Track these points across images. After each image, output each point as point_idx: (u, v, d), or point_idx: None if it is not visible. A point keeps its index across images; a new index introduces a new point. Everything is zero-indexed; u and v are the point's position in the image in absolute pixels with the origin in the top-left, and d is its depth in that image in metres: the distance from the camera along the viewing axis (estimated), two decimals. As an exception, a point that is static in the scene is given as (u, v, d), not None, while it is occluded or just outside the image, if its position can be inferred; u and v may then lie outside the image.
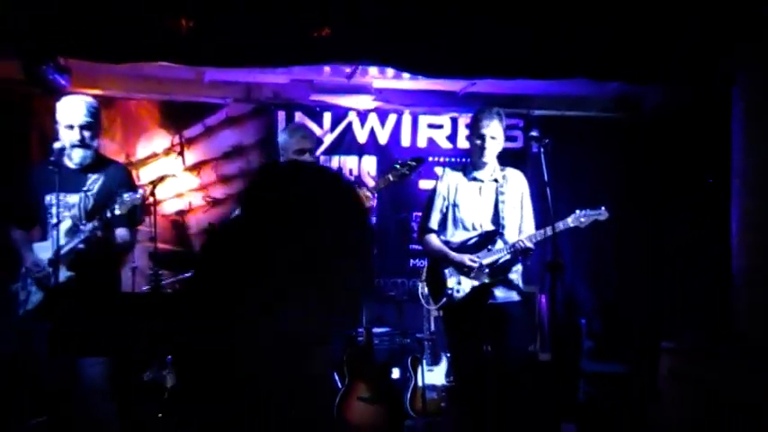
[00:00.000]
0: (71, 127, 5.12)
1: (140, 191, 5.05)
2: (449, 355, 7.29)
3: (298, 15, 5.88)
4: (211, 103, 8.19)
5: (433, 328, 7.30)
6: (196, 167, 8.16)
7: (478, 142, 5.63)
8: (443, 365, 7.17)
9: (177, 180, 8.03)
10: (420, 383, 7.04)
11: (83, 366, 4.97)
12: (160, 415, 6.38)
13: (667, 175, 8.16)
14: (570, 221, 5.49)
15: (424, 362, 7.12)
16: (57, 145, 5.05)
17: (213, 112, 8.21)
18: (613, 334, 7.49)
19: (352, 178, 8.33)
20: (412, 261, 8.36)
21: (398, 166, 5.16)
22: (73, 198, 5.11)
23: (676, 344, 5.28)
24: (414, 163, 5.20)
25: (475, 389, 5.66)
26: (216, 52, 6.01)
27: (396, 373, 7.23)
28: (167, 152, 8.04)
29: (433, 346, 7.21)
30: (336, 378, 6.84)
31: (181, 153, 8.09)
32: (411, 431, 6.95)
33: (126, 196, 4.87)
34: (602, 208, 5.53)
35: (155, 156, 8.05)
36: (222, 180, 8.19)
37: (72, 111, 5.14)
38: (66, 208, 5.08)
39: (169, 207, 8.04)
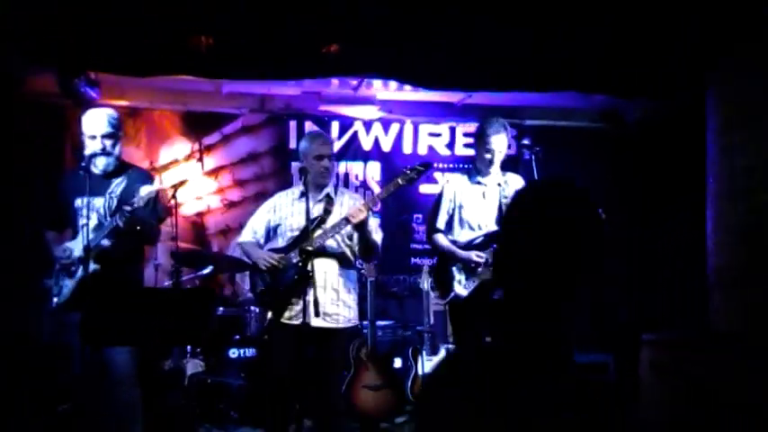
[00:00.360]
0: (94, 137, 5.18)
1: (156, 184, 5.10)
2: (449, 345, 7.38)
3: (308, 33, 5.92)
4: (228, 113, 8.27)
5: (432, 321, 7.32)
6: (214, 172, 8.24)
7: (488, 156, 5.67)
8: (442, 356, 7.13)
9: (196, 184, 8.09)
10: (420, 372, 7.07)
11: (111, 354, 5.01)
12: (181, 401, 6.47)
13: (648, 180, 8.21)
14: None
15: (424, 352, 7.13)
16: (87, 152, 5.15)
17: (230, 121, 8.28)
18: (599, 327, 7.53)
19: (358, 183, 8.42)
20: (413, 259, 8.43)
21: (408, 171, 5.23)
22: (98, 201, 5.17)
23: (656, 336, 5.33)
24: (422, 168, 5.26)
25: (474, 376, 5.72)
26: (233, 66, 6.08)
27: (398, 363, 7.30)
28: (188, 158, 8.13)
29: (431, 337, 7.22)
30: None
31: (200, 159, 8.17)
32: (412, 415, 6.93)
33: (143, 189, 4.91)
34: (599, 210, 5.49)
35: (176, 162, 8.12)
36: (238, 184, 8.27)
37: (94, 122, 5.21)
38: (93, 210, 5.14)
39: (189, 209, 8.07)
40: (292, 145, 8.25)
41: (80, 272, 5.04)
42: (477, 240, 5.70)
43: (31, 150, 7.38)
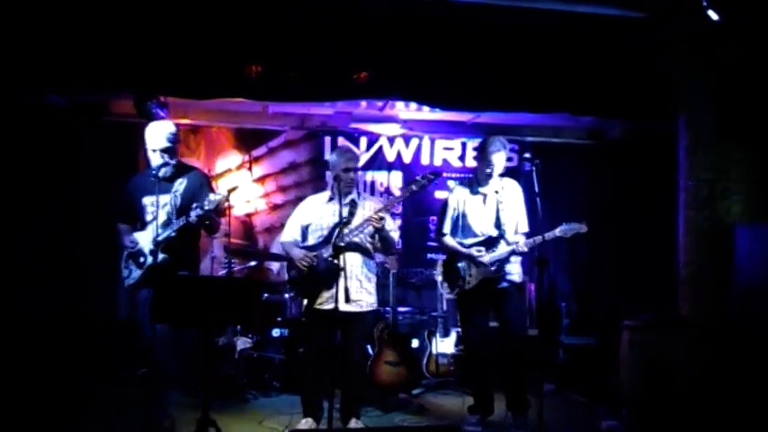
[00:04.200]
0: (154, 151, 5.19)
1: (223, 192, 5.01)
2: (459, 329, 7.41)
3: (341, 63, 6.04)
4: (273, 130, 8.33)
5: (445, 308, 7.39)
6: (261, 179, 8.28)
7: (488, 170, 5.61)
8: (453, 337, 7.25)
9: (246, 189, 8.16)
10: (434, 351, 7.15)
11: (178, 330, 5.11)
12: (232, 371, 6.57)
13: (627, 187, 8.27)
14: (557, 232, 5.40)
15: (438, 334, 7.21)
16: (152, 160, 5.20)
17: (275, 136, 8.34)
18: (586, 314, 7.53)
19: (383, 189, 8.43)
20: (428, 254, 8.41)
21: (420, 179, 5.26)
22: (165, 198, 5.17)
23: (634, 322, 5.37)
24: (432, 176, 5.27)
25: (480, 356, 5.77)
26: (278, 91, 6.18)
27: (415, 343, 7.30)
28: (239, 168, 8.17)
29: (444, 322, 7.30)
30: (368, 346, 6.91)
31: (249, 168, 8.21)
32: (426, 388, 7.05)
33: (212, 196, 4.92)
34: (584, 223, 5.45)
35: (229, 170, 8.18)
36: (281, 189, 8.30)
37: (154, 138, 5.21)
38: (160, 207, 5.14)
39: (240, 210, 8.12)
40: (327, 157, 8.24)
41: (149, 260, 5.09)
42: (479, 242, 5.65)
43: (110, 161, 7.57)
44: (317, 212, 5.51)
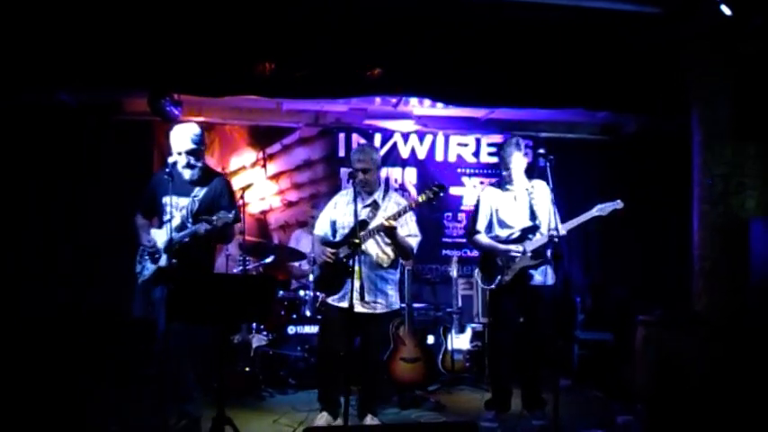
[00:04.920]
0: (180, 153, 5.16)
1: (233, 213, 4.96)
2: (474, 325, 7.39)
3: (354, 59, 6.03)
4: (288, 127, 8.34)
5: (460, 304, 7.40)
6: (275, 177, 8.30)
7: (506, 173, 5.69)
8: (468, 333, 7.25)
9: (261, 187, 8.19)
10: (449, 347, 7.16)
11: (193, 328, 5.09)
12: (247, 369, 6.60)
13: (641, 183, 8.24)
14: (594, 212, 5.49)
15: (453, 331, 7.21)
16: (171, 159, 5.13)
17: (289, 133, 8.35)
18: (600, 309, 7.51)
19: (397, 185, 8.41)
20: (443, 251, 8.44)
21: (426, 191, 5.23)
22: (183, 201, 5.17)
23: (649, 317, 5.35)
24: (437, 189, 5.22)
25: (506, 353, 5.76)
26: (291, 88, 6.17)
27: (431, 339, 7.29)
28: (253, 165, 8.20)
29: (459, 318, 7.30)
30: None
31: (264, 166, 8.24)
32: (442, 384, 7.05)
33: (221, 213, 4.90)
34: (618, 200, 5.53)
35: (243, 168, 8.21)
36: (295, 187, 8.32)
37: (179, 139, 5.18)
38: (177, 208, 5.14)
39: (254, 208, 8.16)
40: (341, 153, 8.31)
41: (163, 261, 5.09)
42: (515, 235, 5.67)
43: (124, 160, 7.61)
44: (341, 210, 5.53)
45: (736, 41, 5.57)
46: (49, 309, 7.10)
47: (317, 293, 6.91)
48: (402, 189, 8.41)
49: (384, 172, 8.42)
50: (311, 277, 6.94)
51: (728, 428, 4.61)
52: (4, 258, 7.22)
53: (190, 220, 5.16)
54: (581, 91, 6.45)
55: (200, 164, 5.25)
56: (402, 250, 5.40)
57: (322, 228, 5.62)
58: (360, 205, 5.24)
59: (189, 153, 5.18)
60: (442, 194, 5.28)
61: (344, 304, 5.16)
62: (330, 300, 5.42)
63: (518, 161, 5.67)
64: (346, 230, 5.41)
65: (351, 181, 5.29)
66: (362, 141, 8.33)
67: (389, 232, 5.17)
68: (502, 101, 6.86)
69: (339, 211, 5.54)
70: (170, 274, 4.99)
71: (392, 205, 5.42)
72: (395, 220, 5.15)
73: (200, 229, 5.01)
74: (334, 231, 5.56)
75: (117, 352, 6.80)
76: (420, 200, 5.24)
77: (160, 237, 5.18)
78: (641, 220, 8.12)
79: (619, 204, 5.52)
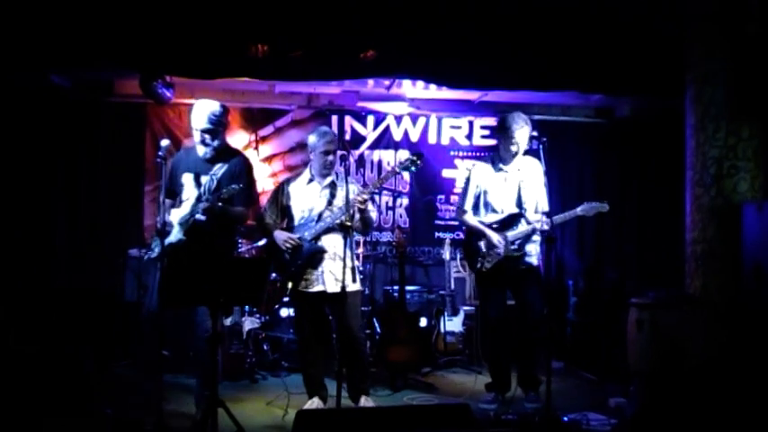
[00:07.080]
0: (196, 130, 5.11)
1: (238, 185, 4.92)
2: (467, 307, 7.42)
3: (347, 41, 6.01)
4: (280, 109, 8.28)
5: (453, 286, 7.39)
6: (268, 159, 8.25)
7: (513, 148, 5.54)
8: (461, 316, 7.26)
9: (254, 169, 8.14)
10: (442, 330, 7.17)
11: (196, 312, 5.05)
12: (242, 351, 6.59)
13: (635, 165, 8.30)
14: (579, 211, 5.46)
15: (446, 313, 7.21)
16: (163, 143, 4.97)
17: (282, 116, 8.29)
18: (593, 292, 7.51)
19: (389, 168, 8.37)
20: (436, 233, 8.39)
21: (403, 161, 5.25)
22: (204, 179, 5.13)
23: (640, 300, 5.36)
24: (415, 157, 5.22)
25: (499, 334, 5.78)
26: (285, 70, 6.15)
27: (423, 322, 7.31)
28: (246, 147, 8.07)
29: (452, 300, 7.29)
30: (377, 324, 6.98)
31: (256, 148, 8.19)
32: (435, 367, 7.06)
33: (226, 188, 4.89)
34: (605, 203, 5.48)
35: (236, 150, 8.18)
36: (288, 169, 8.19)
37: (196, 117, 5.11)
38: (197, 186, 5.13)
39: (247, 190, 8.13)
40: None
41: (173, 236, 5.09)
42: (500, 220, 5.64)
43: (115, 142, 7.57)
44: (298, 194, 5.49)
45: (736, 22, 5.55)
46: (44, 291, 7.04)
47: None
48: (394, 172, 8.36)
49: (377, 155, 8.42)
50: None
51: (727, 405, 4.63)
52: None
53: (209, 197, 5.05)
54: (575, 74, 6.42)
55: (215, 143, 5.16)
56: (367, 224, 5.46)
57: (269, 216, 5.54)
58: (319, 188, 5.40)
59: (204, 132, 5.11)
60: (419, 162, 5.34)
61: (318, 288, 5.28)
62: (301, 288, 5.38)
63: (524, 138, 5.53)
64: (306, 214, 5.41)
65: (309, 164, 5.46)
66: (356, 124, 8.35)
67: (363, 206, 5.23)
68: (495, 83, 6.82)
69: (293, 196, 5.48)
70: (171, 252, 4.97)
71: (351, 186, 5.24)
72: (368, 194, 5.28)
73: (213, 202, 4.93)
74: (291, 217, 5.49)
75: (109, 334, 6.76)
76: (398, 169, 5.40)
77: (176, 216, 5.15)
78: (635, 203, 8.14)
79: (605, 207, 5.49)
